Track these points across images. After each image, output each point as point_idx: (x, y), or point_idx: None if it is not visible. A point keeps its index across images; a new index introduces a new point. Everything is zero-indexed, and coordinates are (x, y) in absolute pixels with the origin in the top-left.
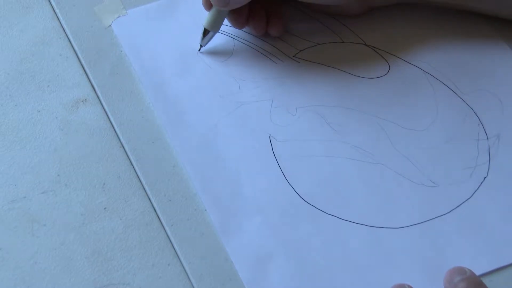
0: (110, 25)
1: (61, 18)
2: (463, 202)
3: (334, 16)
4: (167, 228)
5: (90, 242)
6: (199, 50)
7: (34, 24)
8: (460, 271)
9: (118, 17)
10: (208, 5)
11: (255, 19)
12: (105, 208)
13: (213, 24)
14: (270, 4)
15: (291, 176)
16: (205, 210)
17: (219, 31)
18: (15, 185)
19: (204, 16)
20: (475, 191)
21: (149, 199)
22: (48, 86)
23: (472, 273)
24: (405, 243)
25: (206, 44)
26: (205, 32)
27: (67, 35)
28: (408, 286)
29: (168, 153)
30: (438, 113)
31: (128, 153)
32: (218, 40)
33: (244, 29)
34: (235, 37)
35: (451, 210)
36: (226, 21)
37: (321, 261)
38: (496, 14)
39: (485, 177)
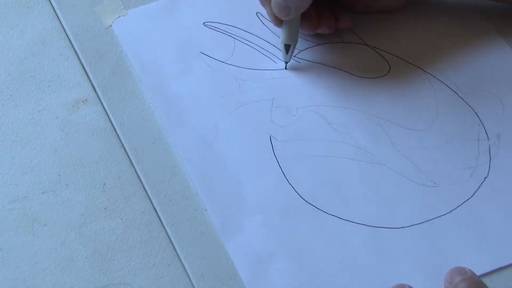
0: (111, 25)
1: (61, 18)
2: (464, 202)
3: (375, 12)
4: (167, 228)
5: (91, 242)
6: (285, 68)
7: (35, 24)
8: (461, 271)
9: (118, 17)
10: (278, 21)
11: (324, 20)
12: (105, 208)
13: (290, 37)
14: (331, 3)
15: (291, 176)
16: (205, 210)
17: (222, 31)
18: (16, 185)
19: (204, 16)
20: (476, 191)
21: (150, 199)
22: (48, 86)
23: (473, 273)
24: (405, 243)
25: (290, 59)
26: (286, 47)
27: (67, 35)
28: (408, 286)
29: (168, 153)
30: (439, 113)
31: (129, 153)
32: (218, 40)
33: (243, 35)
34: (235, 37)
35: (452, 210)
36: (221, 20)
37: (321, 261)
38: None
39: (485, 177)
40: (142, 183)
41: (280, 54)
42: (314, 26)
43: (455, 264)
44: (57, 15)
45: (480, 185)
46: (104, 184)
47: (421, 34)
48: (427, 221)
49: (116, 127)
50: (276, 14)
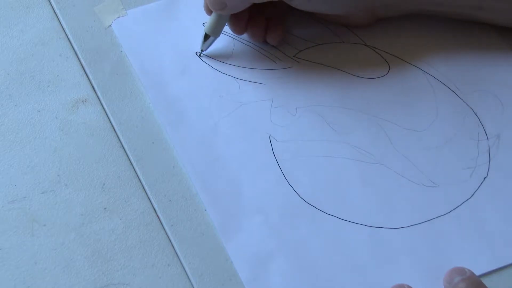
0: (110, 25)
1: (61, 18)
2: (463, 202)
3: (340, 25)
4: (167, 228)
5: (90, 242)
6: (199, 56)
7: (34, 24)
8: (460, 271)
9: (118, 17)
10: (208, 10)
11: (254, 26)
12: (105, 208)
13: (214, 29)
14: (271, 12)
15: (291, 176)
16: (205, 210)
17: (222, 31)
18: (15, 185)
19: (204, 17)
20: (475, 191)
21: (149, 199)
22: (48, 86)
23: (472, 273)
24: (405, 243)
25: (207, 49)
26: (206, 37)
27: (67, 35)
28: (408, 286)
29: (168, 153)
30: (438, 114)
31: (128, 153)
32: (218, 40)
33: (243, 36)
34: (235, 37)
35: (451, 210)
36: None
37: (321, 261)
38: (506, 24)
39: (485, 177)
40: (141, 183)
41: (277, 53)
42: (240, 28)
43: (454, 264)
44: (56, 15)
45: (479, 185)
46: (104, 184)
47: (421, 34)
48: (426, 221)
49: (115, 127)
50: (209, 4)
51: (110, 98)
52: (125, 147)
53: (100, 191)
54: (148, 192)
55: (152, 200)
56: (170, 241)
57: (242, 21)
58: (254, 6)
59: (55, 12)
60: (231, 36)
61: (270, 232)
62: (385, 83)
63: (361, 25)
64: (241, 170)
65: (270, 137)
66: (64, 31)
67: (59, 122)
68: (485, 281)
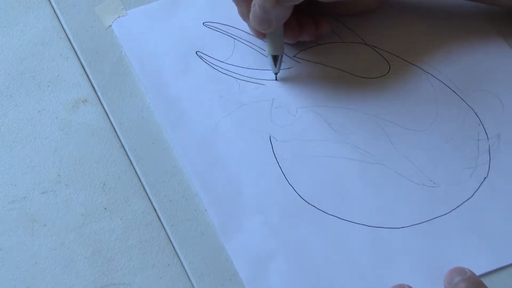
0: (110, 25)
1: (61, 18)
2: (464, 202)
3: (352, 15)
4: (167, 228)
5: (90, 242)
6: (275, 79)
7: (34, 24)
8: (460, 271)
9: (118, 17)
10: (261, 34)
11: (306, 28)
12: (105, 208)
13: (276, 48)
14: (311, 10)
15: (291, 176)
16: (205, 210)
17: (222, 31)
18: (15, 185)
19: (204, 16)
20: (476, 191)
21: (149, 199)
22: (48, 86)
23: (472, 273)
24: (405, 243)
25: (279, 69)
26: (274, 59)
27: (67, 35)
28: (408, 286)
29: (168, 153)
30: (438, 113)
31: (128, 153)
32: (218, 40)
33: (243, 36)
34: (235, 37)
35: (452, 210)
36: (221, 20)
37: (321, 261)
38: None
39: (485, 177)
40: (142, 183)
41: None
42: (296, 35)
43: (455, 264)
44: (57, 15)
45: (480, 185)
46: (104, 184)
47: (421, 33)
48: (427, 221)
49: (116, 127)
50: (256, 28)
51: (110, 98)
52: (125, 147)
53: (101, 191)
54: (148, 192)
55: (152, 200)
56: (170, 241)
57: (294, 29)
58: (296, 9)
59: (55, 12)
60: (232, 36)
61: (270, 232)
62: (385, 83)
63: (372, 9)
64: (241, 170)
65: (270, 137)
66: (64, 31)
67: (59, 122)
68: (485, 281)
